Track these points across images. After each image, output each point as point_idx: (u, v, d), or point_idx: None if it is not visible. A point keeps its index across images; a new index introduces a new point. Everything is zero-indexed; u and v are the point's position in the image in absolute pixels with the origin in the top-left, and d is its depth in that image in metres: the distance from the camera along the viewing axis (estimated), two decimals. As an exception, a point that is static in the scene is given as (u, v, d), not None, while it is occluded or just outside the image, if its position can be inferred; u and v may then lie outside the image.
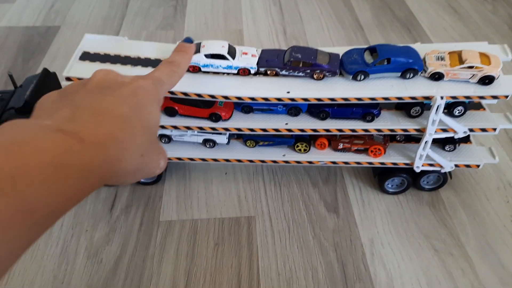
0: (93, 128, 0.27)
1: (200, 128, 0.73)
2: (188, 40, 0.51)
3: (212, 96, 0.69)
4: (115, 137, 0.28)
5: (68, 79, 0.67)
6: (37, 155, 0.23)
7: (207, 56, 0.69)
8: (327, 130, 0.73)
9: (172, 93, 0.68)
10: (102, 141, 0.27)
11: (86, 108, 0.29)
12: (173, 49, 0.43)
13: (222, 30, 1.27)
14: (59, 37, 1.23)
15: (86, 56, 0.71)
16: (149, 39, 1.23)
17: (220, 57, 0.69)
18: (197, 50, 0.69)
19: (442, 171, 0.77)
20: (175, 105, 0.72)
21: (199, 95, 0.68)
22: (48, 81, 0.78)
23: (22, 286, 0.68)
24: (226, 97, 0.69)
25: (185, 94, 0.68)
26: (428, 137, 0.71)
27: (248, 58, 0.70)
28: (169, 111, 0.73)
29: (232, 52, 0.70)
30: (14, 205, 0.22)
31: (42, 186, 0.23)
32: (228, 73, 0.71)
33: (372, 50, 0.70)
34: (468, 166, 0.77)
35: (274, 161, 0.79)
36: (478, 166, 0.77)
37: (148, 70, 0.70)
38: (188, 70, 0.70)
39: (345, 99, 0.68)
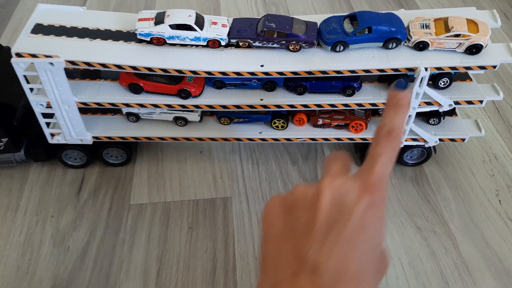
0: None
1: (169, 106, 0.68)
2: (401, 85, 0.37)
3: (180, 71, 0.63)
4: None
5: (18, 55, 0.60)
6: None
7: (172, 26, 0.63)
8: (305, 106, 0.69)
9: (135, 68, 0.63)
10: None
11: (327, 271, 0.28)
12: (387, 102, 0.34)
13: (197, -4, 1.19)
14: (21, 6, 1.14)
15: (39, 29, 0.64)
16: (119, 5, 1.15)
17: (187, 27, 0.63)
18: (161, 20, 0.63)
19: (426, 145, 0.74)
20: (140, 81, 0.67)
21: (165, 70, 0.63)
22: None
23: (-18, 278, 0.64)
24: (194, 72, 0.63)
25: (149, 69, 0.63)
26: (412, 111, 0.67)
27: (218, 29, 0.65)
28: (134, 88, 0.67)
29: (200, 22, 0.64)
30: None
31: None
32: (196, 45, 0.65)
33: (352, 18, 0.65)
34: (453, 140, 0.74)
35: (250, 139, 0.74)
36: (463, 140, 0.74)
37: (108, 43, 0.64)
38: (152, 43, 0.64)
39: (323, 72, 0.63)
